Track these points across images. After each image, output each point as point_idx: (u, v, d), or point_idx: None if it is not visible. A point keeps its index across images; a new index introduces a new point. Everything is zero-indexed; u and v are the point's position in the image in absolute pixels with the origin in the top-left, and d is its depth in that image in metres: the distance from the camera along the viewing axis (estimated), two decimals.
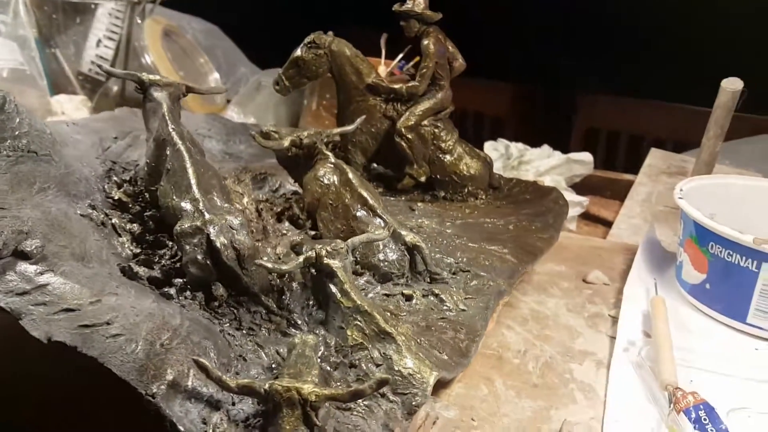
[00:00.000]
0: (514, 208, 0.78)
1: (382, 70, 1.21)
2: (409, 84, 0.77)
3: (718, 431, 0.53)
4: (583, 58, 1.77)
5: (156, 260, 0.55)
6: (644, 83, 1.81)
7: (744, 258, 0.68)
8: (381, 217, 0.61)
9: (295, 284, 0.55)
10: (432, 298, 0.55)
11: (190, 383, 0.41)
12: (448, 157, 0.80)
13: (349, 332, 0.48)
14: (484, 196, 0.81)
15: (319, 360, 0.46)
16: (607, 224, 1.09)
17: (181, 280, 0.52)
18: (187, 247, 0.51)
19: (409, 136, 0.77)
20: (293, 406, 0.40)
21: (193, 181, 0.54)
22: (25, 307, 0.41)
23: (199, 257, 0.50)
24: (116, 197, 0.60)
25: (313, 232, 0.66)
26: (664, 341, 0.64)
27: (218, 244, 0.50)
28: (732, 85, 0.96)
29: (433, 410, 0.47)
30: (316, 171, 0.68)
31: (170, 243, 0.58)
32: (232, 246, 0.50)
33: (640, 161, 1.78)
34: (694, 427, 0.54)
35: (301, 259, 0.51)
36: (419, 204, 0.77)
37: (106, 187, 0.61)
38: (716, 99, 0.99)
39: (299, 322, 0.52)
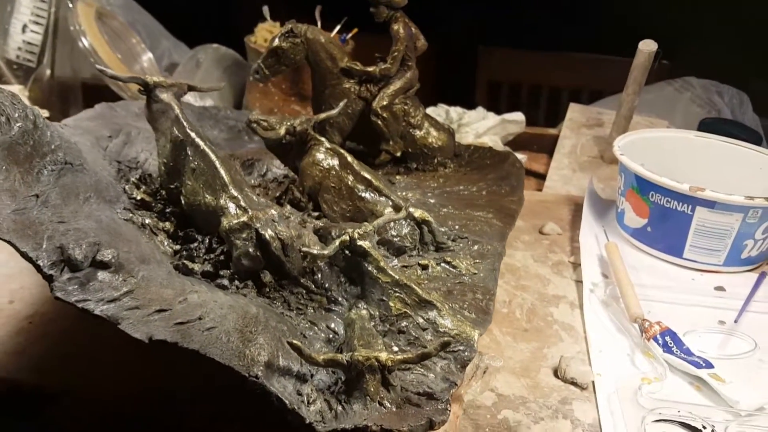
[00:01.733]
0: (480, 174, 0.87)
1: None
2: (382, 66, 0.83)
3: (683, 351, 0.65)
4: (477, 12, 1.85)
5: (196, 255, 0.59)
6: (539, 35, 1.93)
7: (681, 203, 0.81)
8: (387, 197, 0.68)
9: (323, 264, 0.61)
10: (445, 266, 0.63)
11: (280, 362, 0.47)
12: (417, 131, 0.87)
13: (391, 303, 0.55)
14: (451, 165, 0.89)
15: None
16: (540, 176, 1.20)
17: (228, 272, 0.57)
18: (238, 242, 0.55)
19: (385, 115, 0.83)
20: (374, 372, 0.47)
21: (227, 180, 0.58)
22: (120, 312, 0.45)
23: (251, 250, 0.55)
24: (138, 197, 0.63)
25: (316, 213, 0.72)
26: (625, 280, 0.75)
27: (267, 237, 0.55)
28: (648, 47, 1.09)
29: (482, 362, 0.56)
30: (313, 156, 0.73)
31: (199, 237, 0.62)
32: (278, 237, 0.56)
33: (542, 111, 1.93)
34: (663, 350, 0.66)
35: (337, 242, 0.57)
36: (397, 177, 0.84)
37: (126, 188, 0.64)
38: (634, 59, 1.11)
39: (339, 298, 0.58)
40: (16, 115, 0.52)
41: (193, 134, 0.62)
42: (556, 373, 0.64)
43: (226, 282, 0.56)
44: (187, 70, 1.26)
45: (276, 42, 0.80)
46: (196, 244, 0.61)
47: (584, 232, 0.89)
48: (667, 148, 0.95)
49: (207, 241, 0.61)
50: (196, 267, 0.56)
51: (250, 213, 0.56)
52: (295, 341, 0.46)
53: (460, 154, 0.92)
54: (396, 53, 0.82)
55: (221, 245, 0.60)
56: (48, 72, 1.22)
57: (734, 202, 0.78)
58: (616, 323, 0.72)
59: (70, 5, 1.17)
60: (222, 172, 0.59)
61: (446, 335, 0.52)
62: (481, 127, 1.26)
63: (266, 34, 1.21)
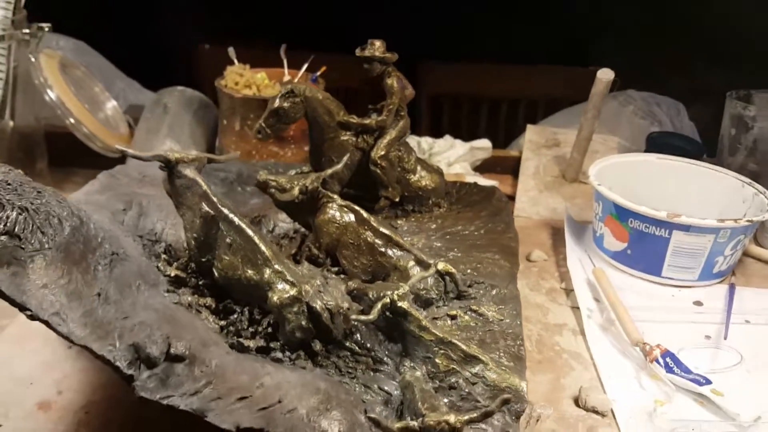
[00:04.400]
0: (473, 212, 0.92)
1: (287, 79, 1.27)
2: (378, 119, 0.86)
3: (683, 370, 0.72)
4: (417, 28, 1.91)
5: (241, 328, 0.61)
6: (476, 47, 2.01)
7: (659, 228, 0.88)
8: (409, 251, 0.72)
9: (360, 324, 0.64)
10: (472, 314, 0.68)
11: None
12: (412, 175, 0.91)
13: (438, 360, 0.59)
14: (445, 205, 0.94)
15: None
16: (509, 198, 1.27)
17: (278, 343, 0.60)
18: (290, 316, 0.58)
19: (383, 164, 0.87)
20: None
21: (269, 255, 0.61)
22: (205, 404, 0.47)
23: (303, 323, 0.58)
24: (172, 274, 0.65)
25: (335, 269, 0.75)
26: (619, 306, 0.82)
27: (318, 309, 0.58)
28: (606, 75, 1.17)
29: (534, 411, 0.60)
30: (327, 213, 0.76)
31: (237, 308, 0.64)
32: (326, 308, 0.59)
33: (481, 124, 2.00)
34: (666, 371, 0.72)
35: (379, 305, 0.61)
36: (399, 222, 0.88)
37: (159, 266, 0.65)
38: (593, 87, 1.19)
39: (384, 357, 0.62)
40: (65, 213, 0.53)
41: (225, 210, 0.64)
42: (577, 403, 0.70)
43: (279, 355, 0.59)
44: (155, 115, 1.25)
45: (277, 103, 0.82)
46: (236, 316, 0.63)
47: (570, 258, 0.95)
48: (634, 171, 1.03)
49: (247, 312, 0.64)
50: (251, 344, 0.58)
51: (299, 287, 0.59)
52: (373, 415, 0.49)
53: (449, 191, 0.97)
54: (391, 106, 0.86)
55: (264, 316, 0.63)
56: (11, 125, 1.19)
57: (707, 225, 0.86)
58: (618, 348, 0.79)
59: (32, 59, 1.15)
60: (263, 247, 0.61)
61: (496, 388, 0.57)
62: (452, 155, 1.32)
63: (236, 77, 1.23)
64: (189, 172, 0.66)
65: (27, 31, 1.13)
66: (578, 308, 0.86)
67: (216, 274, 0.65)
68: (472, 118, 2.06)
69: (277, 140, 1.18)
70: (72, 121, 1.13)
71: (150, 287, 0.58)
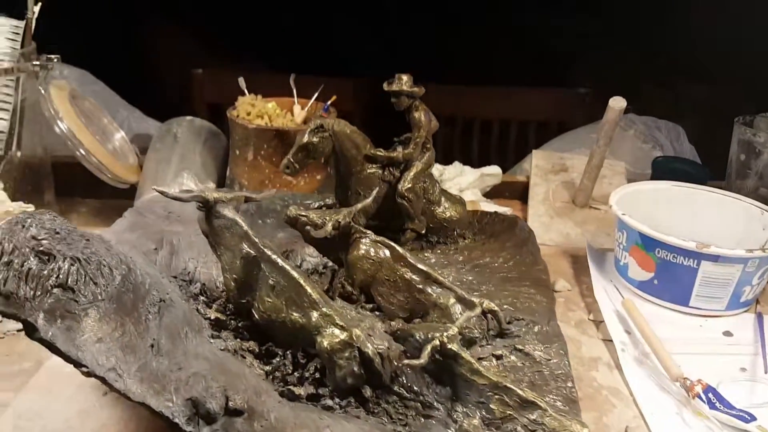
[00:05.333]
0: (498, 243, 0.91)
1: (297, 108, 1.27)
2: (405, 152, 0.85)
3: (726, 406, 0.71)
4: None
5: (286, 373, 0.59)
6: (466, 69, 2.03)
7: (687, 258, 0.88)
8: (450, 289, 0.70)
9: (401, 364, 0.63)
10: (518, 354, 0.66)
11: None
12: (437, 207, 0.90)
13: (493, 406, 0.58)
14: (470, 236, 0.93)
15: None
16: None
17: (326, 389, 0.58)
18: (341, 361, 0.56)
19: (410, 197, 0.86)
20: None
21: (315, 297, 0.59)
22: None
23: (355, 369, 0.56)
24: (213, 317, 0.63)
25: (369, 306, 0.74)
26: (654, 339, 0.81)
27: (370, 354, 0.56)
28: (618, 104, 1.18)
29: None
30: (360, 249, 0.74)
31: (279, 351, 0.62)
32: (377, 352, 0.57)
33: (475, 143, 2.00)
34: (709, 407, 0.71)
35: (429, 348, 0.59)
36: (425, 254, 0.87)
37: (199, 308, 0.63)
38: (605, 115, 1.20)
39: (433, 402, 0.60)
40: (114, 262, 0.51)
41: (268, 251, 0.62)
42: None
43: (330, 402, 0.57)
44: (165, 145, 1.23)
45: (306, 138, 0.81)
46: (278, 359, 0.61)
47: (596, 289, 0.95)
48: (651, 199, 1.04)
49: (290, 356, 0.62)
50: (302, 392, 0.57)
51: (349, 331, 0.57)
52: None
53: (471, 221, 0.96)
54: (418, 139, 0.85)
55: (309, 360, 0.61)
56: (19, 155, 1.16)
57: (736, 255, 0.86)
58: (657, 383, 0.78)
59: (42, 91, 1.13)
60: (308, 289, 0.60)
61: None
62: (463, 182, 1.32)
63: (248, 107, 1.22)
64: (228, 212, 0.65)
65: (36, 63, 1.11)
66: (610, 341, 0.85)
67: (257, 316, 0.63)
68: (464, 140, 2.07)
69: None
70: (83, 152, 1.11)
71: (196, 333, 0.56)
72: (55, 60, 1.14)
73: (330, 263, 0.81)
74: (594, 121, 1.55)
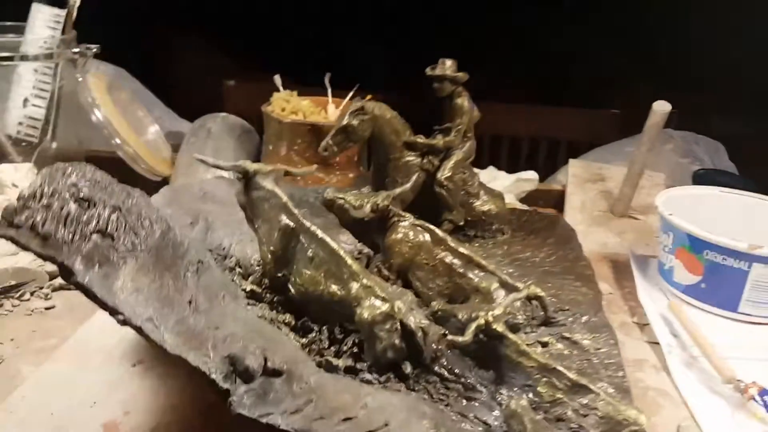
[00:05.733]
0: (539, 239, 0.88)
1: (332, 107, 1.25)
2: (446, 139, 0.83)
3: None
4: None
5: (322, 347, 0.57)
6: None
7: (737, 260, 0.84)
8: (492, 273, 0.67)
9: (443, 345, 0.60)
10: (565, 342, 0.63)
11: None
12: (475, 200, 0.88)
13: (540, 389, 0.54)
14: (509, 231, 0.90)
15: None
16: None
17: (364, 365, 0.55)
18: (382, 333, 0.54)
19: (449, 186, 0.84)
20: None
21: (356, 269, 0.57)
22: (307, 424, 0.43)
23: (397, 342, 0.54)
24: (248, 289, 0.61)
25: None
26: (704, 341, 0.77)
27: (413, 327, 0.54)
28: (662, 107, 1.14)
29: None
30: (400, 232, 0.72)
31: (315, 327, 0.60)
32: (420, 326, 0.54)
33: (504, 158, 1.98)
34: (766, 410, 0.67)
35: (473, 327, 0.56)
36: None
37: (235, 279, 0.61)
38: (648, 119, 1.17)
39: (476, 385, 0.57)
40: (155, 216, 0.49)
41: (307, 223, 0.60)
42: None
43: (369, 377, 0.54)
44: (199, 139, 1.23)
45: (346, 120, 0.79)
46: (314, 335, 0.59)
47: (640, 292, 0.91)
48: (697, 204, 1.00)
49: (326, 331, 0.59)
50: (340, 363, 0.54)
51: (391, 303, 0.54)
52: None
53: (510, 218, 0.93)
54: (460, 126, 0.83)
55: (346, 335, 0.58)
56: (53, 146, 1.16)
57: None
58: (708, 385, 0.74)
59: (80, 78, 1.13)
60: (349, 260, 0.57)
61: (612, 421, 0.52)
62: (497, 187, 1.28)
63: (282, 103, 1.21)
64: (267, 183, 0.63)
65: (76, 50, 1.11)
66: (655, 343, 0.81)
67: (293, 290, 0.61)
68: (492, 156, 2.05)
69: (323, 166, 1.16)
70: (118, 141, 1.10)
71: (233, 299, 0.54)
72: (95, 49, 1.15)
73: (365, 249, 0.78)
74: None
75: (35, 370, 0.63)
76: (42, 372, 0.61)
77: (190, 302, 0.47)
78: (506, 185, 1.29)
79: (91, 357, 0.63)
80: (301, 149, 1.15)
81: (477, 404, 0.55)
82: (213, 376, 0.43)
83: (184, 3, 2.08)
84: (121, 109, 1.17)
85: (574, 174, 1.40)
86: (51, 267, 0.86)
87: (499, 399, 0.55)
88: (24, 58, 1.04)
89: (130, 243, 0.46)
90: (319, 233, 0.60)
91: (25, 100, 1.15)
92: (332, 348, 0.57)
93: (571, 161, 1.45)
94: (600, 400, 0.53)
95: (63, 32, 1.11)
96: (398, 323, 0.54)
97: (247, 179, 0.63)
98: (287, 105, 1.20)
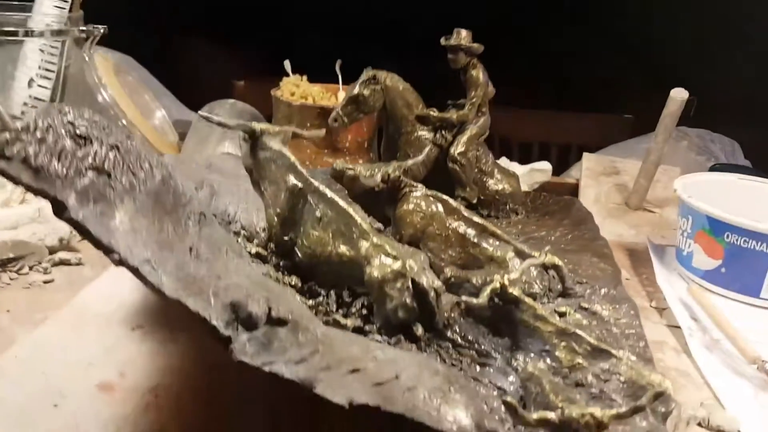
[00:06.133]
0: (554, 220, 0.85)
1: (342, 95, 1.23)
2: (460, 113, 0.81)
3: None
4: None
5: (330, 310, 0.54)
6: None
7: (760, 243, 0.81)
8: (509, 242, 0.65)
9: (456, 315, 0.57)
10: (584, 312, 0.60)
11: (486, 425, 0.42)
12: (489, 178, 0.85)
13: (559, 354, 0.51)
14: (522, 211, 0.87)
15: None
16: None
17: (373, 326, 0.52)
18: (393, 292, 0.51)
19: (463, 161, 0.81)
20: (591, 430, 0.43)
21: (366, 227, 0.54)
22: (313, 374, 0.40)
23: (408, 301, 0.51)
24: (253, 251, 0.58)
25: None
26: (727, 323, 0.74)
27: (425, 285, 0.51)
28: (679, 94, 1.12)
29: (684, 412, 0.52)
30: (411, 202, 0.69)
31: (322, 291, 0.57)
32: (433, 286, 0.52)
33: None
34: None
35: (488, 290, 0.54)
36: None
37: (239, 240, 0.58)
38: (665, 107, 1.14)
39: (491, 351, 0.54)
40: (155, 161, 0.47)
41: (315, 182, 0.58)
42: (699, 423, 0.61)
43: (378, 338, 0.51)
44: (204, 125, 1.20)
45: (357, 89, 0.77)
46: (321, 299, 0.56)
47: (659, 277, 0.88)
48: (717, 191, 0.97)
49: (333, 294, 0.56)
50: (348, 323, 0.51)
51: (403, 261, 0.52)
52: (510, 400, 0.41)
53: (524, 200, 0.91)
54: (475, 99, 0.81)
55: (354, 299, 0.56)
56: None
57: None
58: (731, 366, 0.70)
59: (86, 58, 1.11)
60: (358, 219, 0.55)
61: (635, 385, 0.49)
62: None
63: (292, 87, 1.19)
64: (275, 144, 0.61)
65: (83, 29, 1.10)
66: (675, 327, 0.78)
67: (299, 254, 0.58)
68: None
69: (331, 151, 1.13)
70: (125, 122, 1.08)
71: (238, 257, 0.51)
72: (102, 30, 1.13)
73: (376, 223, 0.76)
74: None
75: (30, 333, 0.61)
76: (37, 334, 0.58)
77: (190, 249, 0.45)
78: (519, 175, 1.26)
79: (88, 321, 0.60)
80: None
81: (491, 370, 0.52)
82: (214, 322, 0.40)
83: (195, 4, 2.08)
84: (127, 92, 1.15)
85: (587, 167, 1.37)
86: (51, 241, 0.84)
87: (515, 365, 0.52)
88: (29, 33, 1.02)
89: (128, 183, 0.43)
90: (328, 192, 0.57)
91: (31, 81, 1.13)
92: (340, 311, 0.55)
93: (585, 155, 1.42)
94: (622, 365, 0.50)
95: (70, 11, 1.10)
96: (410, 282, 0.51)
97: (253, 140, 0.61)
98: (297, 90, 1.18)
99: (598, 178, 1.34)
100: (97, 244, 0.40)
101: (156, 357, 0.55)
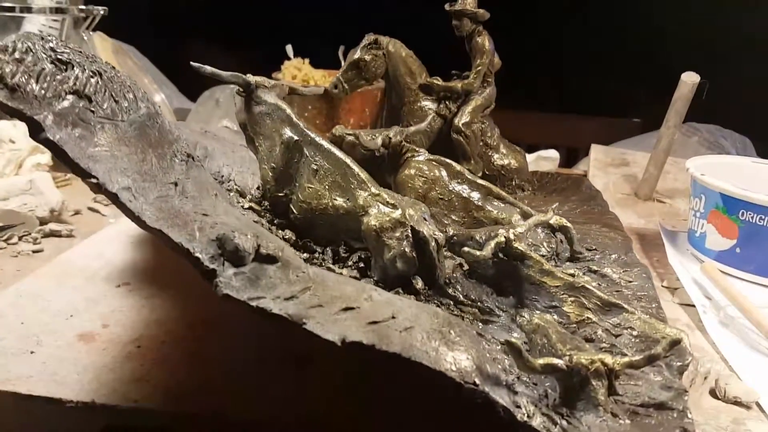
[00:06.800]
0: (562, 197, 0.82)
1: None
2: (465, 81, 0.78)
3: None
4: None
5: (326, 265, 0.51)
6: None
7: None
8: (513, 204, 0.62)
9: (458, 275, 0.54)
10: (593, 275, 0.57)
11: (488, 369, 0.39)
12: (494, 152, 0.82)
13: (567, 309, 0.48)
14: (529, 188, 0.84)
15: None
16: None
17: (371, 280, 0.50)
18: (391, 242, 0.48)
19: (467, 132, 0.78)
20: (601, 377, 0.39)
21: (364, 177, 0.52)
22: (303, 311, 0.37)
23: (407, 250, 0.48)
24: (246, 206, 0.56)
25: None
26: (742, 297, 0.71)
27: (425, 234, 0.48)
28: (690, 78, 1.09)
29: (702, 366, 0.49)
30: (414, 167, 0.67)
31: (318, 248, 0.55)
32: (433, 236, 0.49)
33: None
34: None
35: (492, 243, 0.51)
36: None
37: (231, 195, 0.56)
38: (676, 91, 1.11)
39: (494, 308, 0.51)
40: (140, 94, 0.44)
41: (312, 134, 0.55)
42: (714, 394, 0.58)
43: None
44: (207, 109, 1.19)
45: (358, 54, 0.75)
46: (318, 255, 0.53)
47: (671, 258, 0.85)
48: (729, 173, 0.93)
49: (330, 251, 0.54)
50: (344, 272, 0.48)
51: (402, 210, 0.49)
52: (514, 341, 0.38)
53: (531, 178, 0.88)
54: (480, 67, 0.78)
55: (350, 253, 0.53)
56: None
57: None
58: (747, 341, 0.67)
59: (85, 38, 1.10)
60: (356, 169, 0.52)
61: (648, 339, 0.45)
62: None
63: (294, 71, 1.16)
64: (270, 97, 0.58)
65: (83, 7, 1.08)
66: (688, 305, 0.75)
67: (295, 209, 0.56)
68: None
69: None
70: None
71: (228, 203, 0.49)
72: (102, 11, 1.11)
73: None
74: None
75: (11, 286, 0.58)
76: (18, 286, 0.56)
77: (175, 184, 0.42)
78: None
79: (73, 276, 0.58)
80: (312, 116, 1.10)
81: (495, 327, 0.49)
82: (197, 254, 0.38)
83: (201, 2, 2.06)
84: (126, 73, 1.13)
85: (596, 158, 1.34)
86: (42, 213, 0.82)
87: (520, 321, 0.49)
88: (27, 10, 1.01)
89: (110, 109, 0.41)
90: (325, 144, 0.55)
91: None
92: (336, 266, 0.52)
93: (594, 146, 1.39)
94: (635, 319, 0.47)
95: None
96: (409, 231, 0.49)
97: (248, 93, 0.59)
98: (298, 73, 1.16)
99: (606, 169, 1.31)
100: (75, 168, 0.38)
101: (141, 311, 0.52)
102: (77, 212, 0.88)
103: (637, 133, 1.91)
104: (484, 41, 0.78)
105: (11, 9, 1.00)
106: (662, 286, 0.81)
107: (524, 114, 1.95)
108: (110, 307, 0.53)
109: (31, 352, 0.45)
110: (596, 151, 1.37)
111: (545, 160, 1.25)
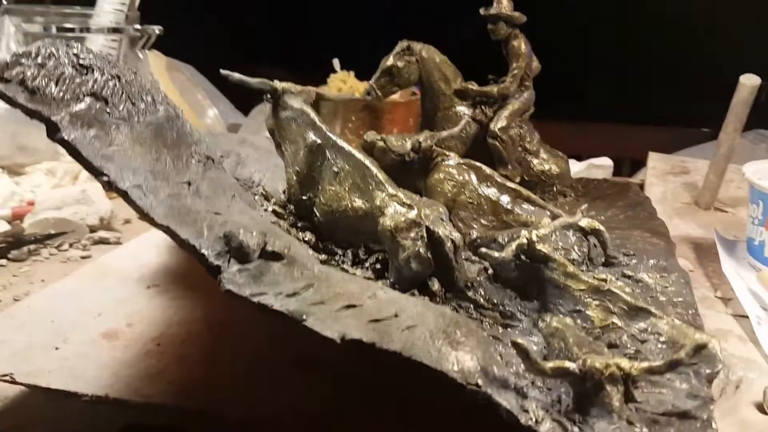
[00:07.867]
0: (606, 203, 0.79)
1: None
2: (501, 85, 0.77)
3: None
4: None
5: (347, 265, 0.51)
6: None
7: None
8: (543, 207, 0.60)
9: (482, 278, 0.53)
10: (627, 280, 0.54)
11: (495, 371, 0.38)
12: (534, 158, 0.80)
13: (591, 313, 0.46)
14: (571, 194, 0.81)
15: None
16: None
17: (387, 281, 0.49)
18: (406, 242, 0.47)
19: (504, 137, 0.77)
20: (616, 383, 0.37)
21: (382, 178, 0.51)
22: (304, 307, 0.37)
23: (422, 251, 0.47)
24: (270, 209, 0.56)
25: None
26: None
27: (441, 235, 0.47)
28: (750, 80, 1.03)
29: (732, 374, 0.46)
30: (443, 171, 0.66)
31: (339, 250, 0.54)
32: (450, 237, 0.48)
33: None
34: None
35: (514, 245, 0.49)
36: None
37: (257, 199, 0.57)
38: (735, 95, 1.05)
39: (516, 313, 0.49)
40: (161, 98, 0.46)
41: (333, 137, 0.55)
42: (762, 409, 0.54)
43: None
44: (256, 122, 1.21)
45: (390, 60, 0.74)
46: (338, 257, 0.53)
47: (725, 267, 0.80)
48: None
49: (350, 254, 0.53)
50: (358, 272, 0.48)
51: (418, 210, 0.48)
52: (521, 342, 0.37)
53: (573, 185, 0.85)
54: (516, 71, 0.76)
55: (369, 255, 0.52)
56: None
57: None
58: None
59: (140, 56, 1.14)
60: (374, 170, 0.52)
61: (676, 345, 0.43)
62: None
63: (339, 83, 1.18)
64: (296, 102, 0.59)
65: (138, 27, 1.13)
66: (741, 317, 0.70)
67: (318, 213, 0.56)
68: None
69: None
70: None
71: (246, 204, 0.49)
72: (157, 31, 1.16)
73: None
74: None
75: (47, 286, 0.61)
76: (52, 286, 0.58)
77: (189, 183, 0.43)
78: (576, 171, 1.20)
79: (107, 277, 0.60)
80: (355, 126, 1.10)
81: (515, 331, 0.48)
82: (203, 251, 0.38)
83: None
84: (179, 89, 1.17)
85: (653, 166, 1.29)
86: (92, 221, 0.85)
87: (541, 326, 0.47)
88: (86, 30, 1.06)
89: (126, 111, 0.42)
90: (346, 146, 0.55)
91: None
92: (352, 268, 0.52)
93: (651, 154, 1.34)
94: (663, 324, 0.44)
95: (128, 9, 1.13)
96: (424, 231, 0.48)
97: (275, 99, 0.59)
98: (344, 86, 1.17)
99: (664, 177, 1.26)
100: (88, 166, 0.39)
101: (165, 311, 0.53)
102: (127, 221, 0.91)
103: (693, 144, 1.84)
104: (520, 44, 0.76)
105: (72, 30, 1.05)
106: (715, 296, 0.77)
107: (564, 124, 1.91)
108: (137, 306, 0.54)
109: (56, 348, 0.47)
110: (654, 159, 1.32)
111: (598, 168, 1.21)
